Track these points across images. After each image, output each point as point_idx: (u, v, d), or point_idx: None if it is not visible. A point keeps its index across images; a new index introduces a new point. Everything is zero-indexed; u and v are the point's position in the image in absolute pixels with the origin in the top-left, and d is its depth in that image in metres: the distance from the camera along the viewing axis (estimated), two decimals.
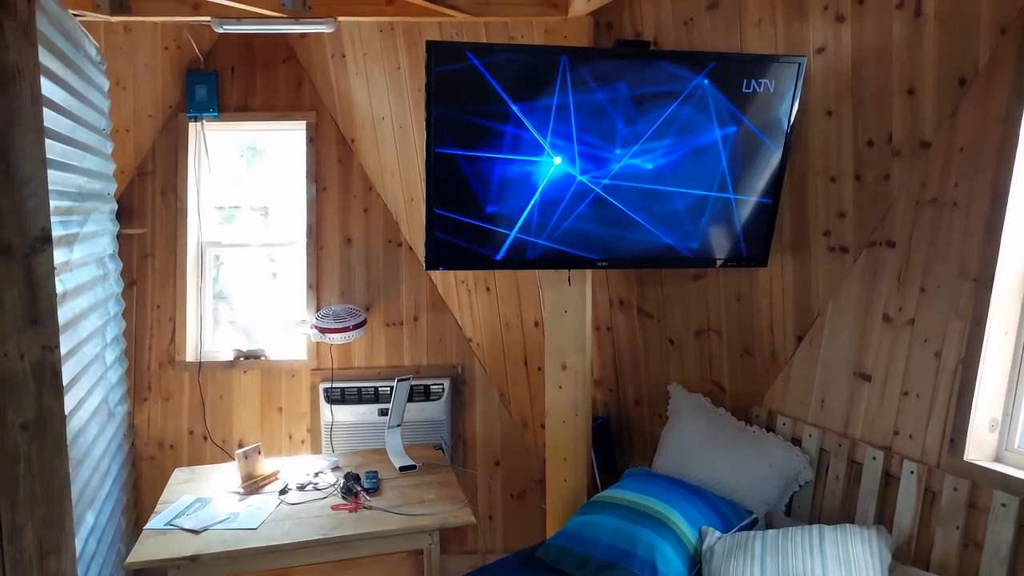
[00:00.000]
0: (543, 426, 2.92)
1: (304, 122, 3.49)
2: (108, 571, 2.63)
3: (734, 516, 2.36)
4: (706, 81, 2.31)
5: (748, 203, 2.47)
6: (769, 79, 2.31)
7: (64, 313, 2.20)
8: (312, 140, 3.50)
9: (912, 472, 2.10)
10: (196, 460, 3.39)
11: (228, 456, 3.35)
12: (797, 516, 2.50)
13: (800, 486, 2.47)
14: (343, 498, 2.53)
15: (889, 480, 2.20)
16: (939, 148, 2.06)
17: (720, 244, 2.52)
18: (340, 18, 2.74)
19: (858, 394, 2.33)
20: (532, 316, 3.38)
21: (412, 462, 2.85)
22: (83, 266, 2.49)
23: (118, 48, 3.20)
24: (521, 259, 2.45)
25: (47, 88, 2.08)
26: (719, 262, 2.54)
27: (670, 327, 3.00)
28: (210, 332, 3.55)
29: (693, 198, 2.45)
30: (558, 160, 2.34)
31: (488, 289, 3.38)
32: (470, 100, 2.26)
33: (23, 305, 1.90)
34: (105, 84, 2.93)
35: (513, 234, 2.41)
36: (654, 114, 2.33)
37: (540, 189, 2.37)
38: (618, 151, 2.36)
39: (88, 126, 2.58)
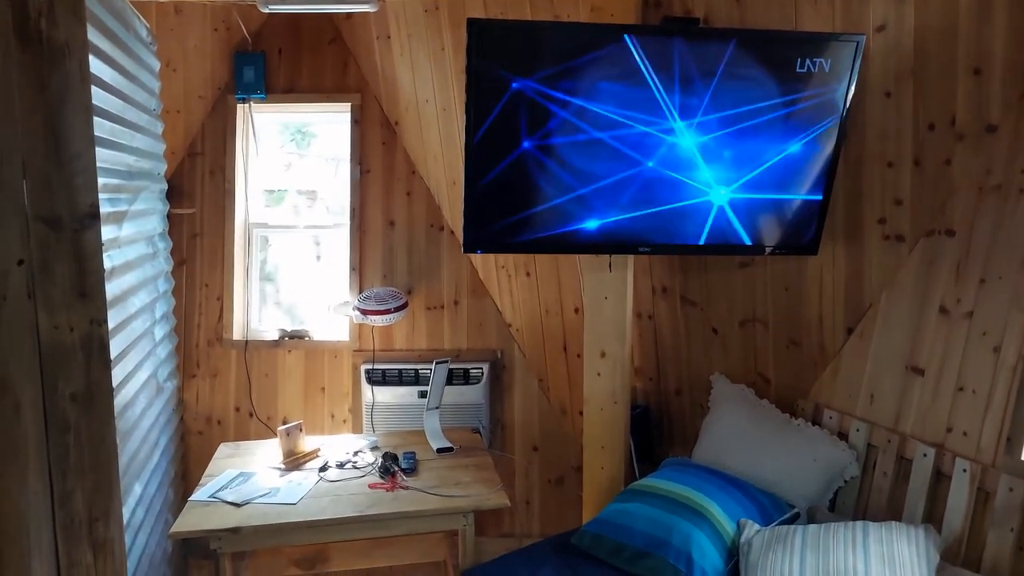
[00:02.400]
0: (581, 413, 2.90)
1: (349, 104, 3.50)
2: (155, 540, 2.72)
3: (775, 509, 2.30)
4: (756, 59, 2.22)
5: (799, 188, 2.38)
6: (825, 58, 2.21)
7: (112, 288, 2.25)
8: (357, 122, 3.51)
9: (965, 470, 2.01)
10: (242, 436, 3.46)
11: (272, 433, 3.41)
12: (841, 512, 2.42)
13: (845, 481, 2.39)
14: (380, 477, 2.56)
15: (940, 478, 2.11)
16: (1006, 132, 1.94)
17: (769, 230, 2.43)
18: None
19: (910, 389, 2.24)
20: (572, 302, 3.34)
21: (449, 444, 2.86)
22: (132, 243, 2.55)
23: (169, 29, 3.26)
24: (560, 243, 2.42)
25: (97, 67, 2.13)
26: (768, 249, 2.46)
27: (714, 316, 2.92)
28: (256, 312, 3.62)
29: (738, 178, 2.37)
30: (604, 139, 2.30)
31: (528, 274, 3.35)
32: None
33: (72, 279, 1.95)
34: (156, 65, 2.98)
35: (554, 217, 2.37)
36: (699, 95, 2.26)
37: (585, 171, 2.32)
38: (670, 129, 2.30)
39: (138, 106, 2.64)
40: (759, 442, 2.50)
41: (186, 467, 3.41)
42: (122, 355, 2.36)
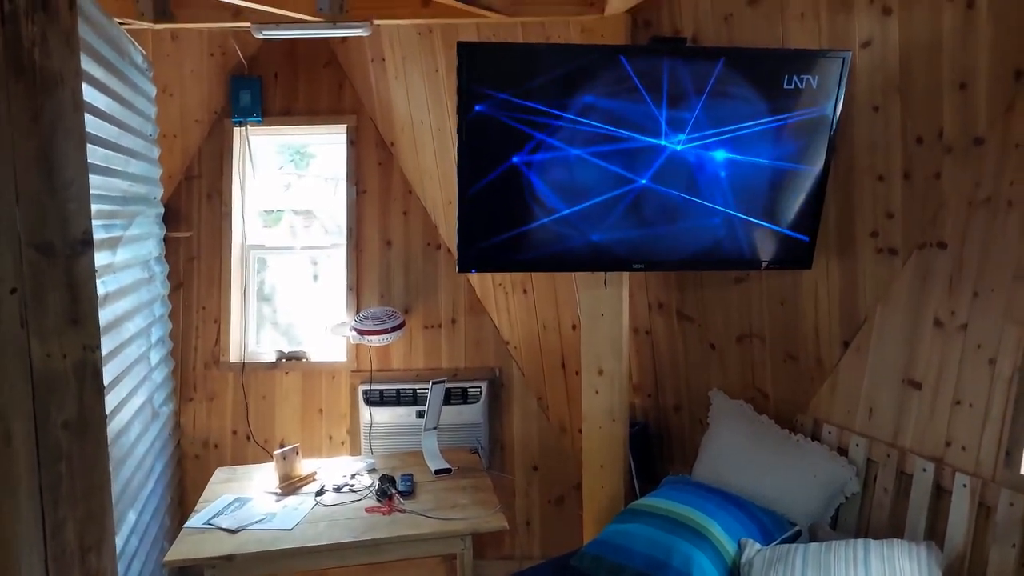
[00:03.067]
0: (581, 431, 2.88)
1: (345, 126, 3.53)
2: (150, 568, 2.70)
3: (776, 528, 2.28)
4: (745, 76, 2.24)
5: (791, 202, 2.38)
6: (812, 75, 2.23)
7: (106, 315, 2.26)
8: (353, 143, 3.53)
9: (965, 485, 1.99)
10: (239, 460, 3.45)
11: (269, 456, 3.39)
12: (843, 529, 2.40)
13: (846, 498, 2.37)
14: (378, 500, 2.54)
15: (941, 493, 2.09)
16: (994, 145, 1.94)
17: (763, 244, 2.43)
18: (377, 21, 2.75)
19: (908, 403, 2.22)
20: (570, 319, 3.34)
21: (447, 465, 2.85)
22: (127, 268, 2.56)
23: (165, 55, 3.29)
24: (555, 261, 2.42)
25: (91, 95, 2.15)
26: (763, 264, 2.46)
27: (711, 331, 2.92)
28: (254, 333, 3.62)
29: (730, 200, 2.38)
30: (595, 157, 2.30)
31: (525, 291, 3.35)
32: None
33: (65, 306, 1.96)
34: (152, 90, 3.01)
35: (547, 235, 2.38)
36: (689, 112, 2.27)
37: (577, 189, 2.33)
38: (661, 147, 2.30)
39: (134, 131, 2.66)
40: (759, 459, 2.48)
41: (183, 492, 3.39)
42: (116, 381, 2.36)
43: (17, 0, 1.85)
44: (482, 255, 2.40)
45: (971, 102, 1.96)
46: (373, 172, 3.54)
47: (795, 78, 2.22)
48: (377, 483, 2.63)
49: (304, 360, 3.50)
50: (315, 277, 3.76)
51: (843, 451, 2.42)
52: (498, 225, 2.36)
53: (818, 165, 2.32)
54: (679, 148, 2.30)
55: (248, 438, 3.46)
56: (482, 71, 2.22)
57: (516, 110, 2.25)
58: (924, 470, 2.12)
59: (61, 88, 1.92)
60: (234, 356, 3.48)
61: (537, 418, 3.51)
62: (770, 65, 2.23)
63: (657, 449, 3.31)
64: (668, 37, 2.63)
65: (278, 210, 3.82)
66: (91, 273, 1.99)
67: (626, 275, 2.71)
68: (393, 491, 2.57)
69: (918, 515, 2.14)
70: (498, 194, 2.32)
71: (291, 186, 3.88)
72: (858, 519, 2.37)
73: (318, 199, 3.83)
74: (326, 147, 3.75)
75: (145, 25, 2.77)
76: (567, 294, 3.27)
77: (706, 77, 2.23)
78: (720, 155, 2.31)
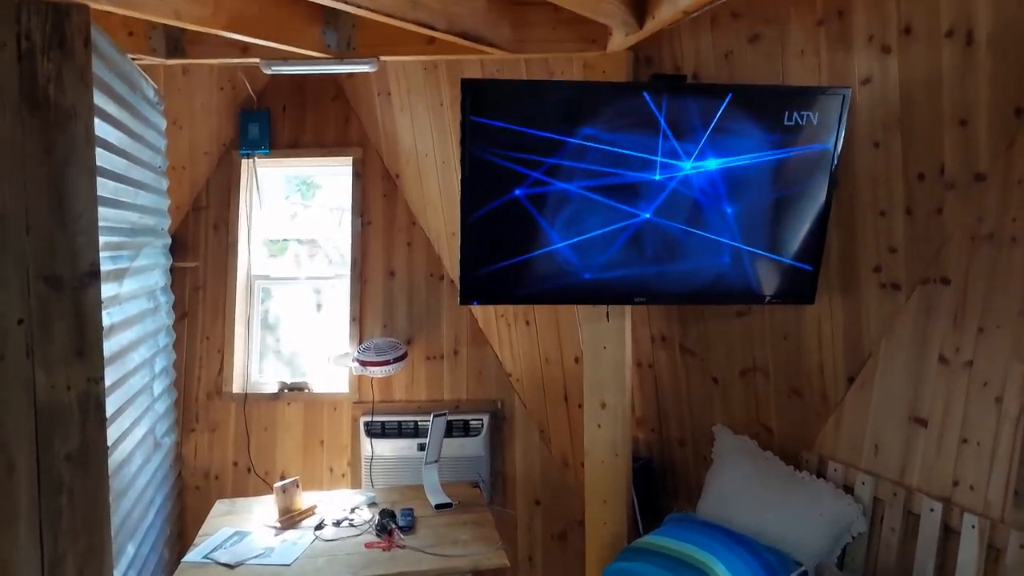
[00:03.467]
0: (584, 465, 2.86)
1: (351, 158, 3.57)
2: None
3: (781, 567, 2.24)
4: (747, 113, 2.26)
5: (794, 235, 2.39)
6: (812, 111, 2.25)
7: (111, 345, 2.26)
8: (358, 175, 3.57)
9: (974, 526, 1.96)
10: (240, 491, 3.42)
11: (270, 488, 3.37)
12: (850, 570, 2.36)
13: (853, 537, 2.34)
14: (377, 536, 2.51)
15: (949, 534, 2.06)
16: (995, 181, 1.95)
17: (765, 279, 2.44)
18: (383, 57, 2.80)
19: (914, 440, 2.20)
20: (572, 351, 3.33)
21: (448, 500, 2.82)
22: (133, 299, 2.57)
23: (177, 89, 3.35)
24: (557, 294, 2.42)
25: (102, 129, 2.18)
26: (766, 298, 2.45)
27: (714, 365, 2.90)
28: (257, 364, 3.62)
29: (734, 236, 2.39)
30: (597, 191, 2.32)
31: (527, 323, 3.35)
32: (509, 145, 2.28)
33: (71, 337, 1.97)
34: (162, 124, 3.05)
35: (549, 268, 2.38)
36: (693, 147, 2.29)
37: (579, 222, 2.35)
38: (662, 180, 2.32)
39: (143, 164, 2.69)
40: (764, 496, 2.45)
41: (183, 524, 3.36)
42: (119, 412, 2.36)
43: (34, 37, 1.91)
44: (484, 287, 2.41)
45: (972, 138, 1.98)
46: (378, 203, 3.58)
47: (796, 114, 2.25)
48: (377, 517, 2.61)
49: (306, 391, 3.50)
50: (319, 307, 3.78)
51: (849, 489, 2.39)
52: (499, 256, 2.37)
53: (820, 199, 2.33)
54: (681, 182, 2.31)
55: (249, 470, 3.44)
56: (485, 106, 2.26)
57: (519, 144, 2.28)
58: (932, 510, 2.09)
59: (74, 123, 1.97)
60: (237, 387, 3.48)
61: (539, 451, 3.48)
62: (772, 101, 2.26)
63: (661, 484, 3.28)
64: (669, 74, 2.66)
65: (283, 240, 3.85)
66: (97, 305, 2.02)
67: (628, 308, 2.71)
68: (393, 526, 2.55)
69: (926, 556, 2.10)
70: (499, 225, 2.33)
71: (297, 216, 3.91)
72: (865, 559, 2.33)
73: (323, 229, 3.86)
74: (332, 178, 3.80)
75: (157, 61, 2.82)
76: (569, 326, 3.27)
77: (710, 113, 2.26)
78: (723, 189, 2.32)
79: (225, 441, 3.46)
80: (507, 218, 2.32)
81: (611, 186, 2.32)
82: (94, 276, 2.01)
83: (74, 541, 1.96)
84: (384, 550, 2.42)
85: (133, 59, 2.70)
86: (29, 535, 1.90)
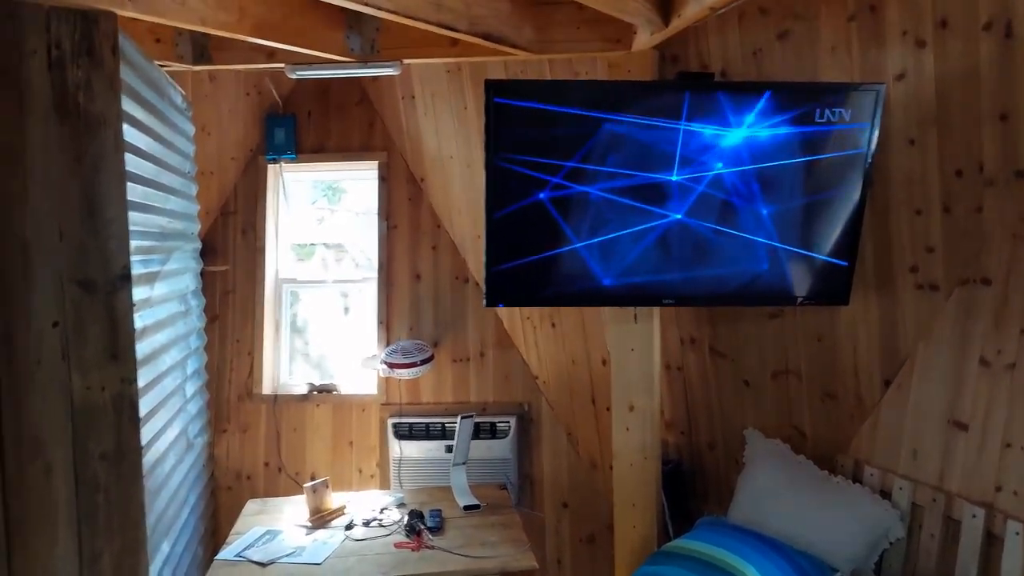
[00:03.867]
0: (612, 468, 2.84)
1: (376, 162, 3.59)
2: None
3: (816, 573, 2.19)
4: (775, 111, 2.22)
5: (828, 233, 2.34)
6: (845, 108, 2.20)
7: (143, 348, 2.29)
8: (384, 179, 3.58)
9: (1017, 533, 1.90)
10: (271, 491, 3.46)
11: (300, 489, 3.40)
12: None
13: (891, 543, 2.28)
14: (406, 536, 2.52)
15: (992, 540, 2.00)
16: None
17: (798, 280, 2.39)
18: (407, 60, 2.81)
19: (954, 444, 2.14)
20: (599, 354, 3.30)
21: (476, 501, 2.81)
22: (164, 302, 2.61)
23: (205, 96, 3.39)
24: (583, 296, 2.40)
25: (132, 135, 2.21)
26: (798, 299, 2.41)
27: (745, 368, 2.86)
28: (286, 366, 3.65)
29: (766, 234, 2.34)
30: (622, 194, 2.30)
31: (553, 325, 3.33)
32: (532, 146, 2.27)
33: (104, 340, 2.00)
34: (191, 130, 3.10)
35: (577, 267, 2.37)
36: (720, 147, 2.26)
37: (606, 223, 2.32)
38: (691, 179, 2.29)
39: (172, 169, 2.73)
40: (798, 501, 2.41)
41: (216, 523, 3.40)
42: (152, 413, 2.39)
43: (64, 46, 1.94)
44: (509, 289, 2.40)
45: (1013, 133, 1.91)
46: (403, 207, 3.59)
47: (828, 111, 2.20)
48: (406, 518, 2.61)
49: (335, 393, 3.52)
50: (346, 310, 3.80)
51: (886, 494, 2.34)
52: (524, 259, 2.36)
53: (854, 198, 2.28)
54: (711, 183, 2.28)
55: (279, 470, 3.47)
56: (510, 108, 2.25)
57: (542, 144, 2.26)
58: (973, 516, 2.03)
59: (104, 130, 2.00)
60: (267, 388, 3.52)
61: (567, 454, 3.46)
62: (803, 98, 2.21)
63: (691, 488, 3.24)
64: (696, 72, 2.63)
65: (311, 244, 3.88)
66: (129, 308, 2.05)
67: (656, 310, 2.68)
68: (422, 527, 2.55)
69: (968, 564, 2.04)
70: (523, 228, 2.32)
71: (323, 220, 3.95)
72: (904, 566, 2.27)
73: (350, 233, 3.88)
74: (357, 183, 3.82)
75: (184, 67, 2.86)
76: (596, 328, 3.24)
77: (740, 111, 2.22)
78: (755, 187, 2.29)
79: (256, 442, 3.50)
80: (531, 221, 2.31)
81: (637, 187, 2.30)
82: (126, 280, 2.04)
83: (110, 539, 1.99)
84: (413, 550, 2.42)
85: (161, 66, 2.74)
86: (67, 533, 1.94)
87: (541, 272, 2.37)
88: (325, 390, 3.52)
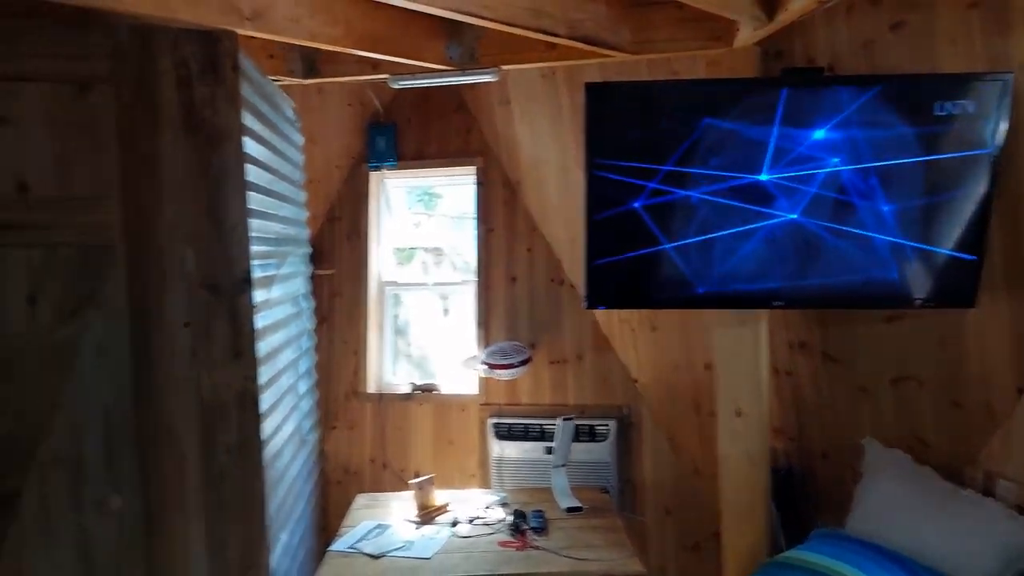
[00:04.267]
0: (717, 475, 2.76)
1: (473, 167, 3.65)
2: None
3: None
4: (890, 105, 2.10)
5: (952, 228, 2.19)
6: (967, 100, 2.06)
7: (262, 347, 2.42)
8: (481, 184, 3.64)
9: None
10: (376, 487, 3.58)
11: (405, 485, 3.50)
12: None
13: None
14: (510, 535, 2.55)
15: None
16: None
17: (918, 281, 2.25)
18: (504, 67, 2.84)
19: None
20: (702, 358, 3.23)
21: (579, 504, 2.81)
22: (280, 305, 2.75)
23: (312, 108, 3.55)
24: (687, 298, 2.35)
25: (250, 146, 2.34)
26: (918, 301, 2.27)
27: (860, 374, 2.72)
28: (390, 366, 3.77)
29: (886, 230, 2.22)
30: (728, 195, 2.24)
31: (654, 329, 3.28)
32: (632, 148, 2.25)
33: (228, 339, 2.14)
34: (300, 140, 3.25)
35: (679, 270, 2.32)
36: (832, 144, 2.16)
37: (714, 223, 2.27)
38: (801, 177, 2.21)
39: (285, 178, 2.87)
40: (923, 514, 2.26)
41: (326, 516, 3.55)
42: (271, 409, 2.52)
43: (191, 66, 2.08)
44: (610, 291, 2.38)
45: None
46: (499, 211, 3.63)
47: (948, 104, 2.07)
48: (510, 518, 2.64)
49: (436, 392, 3.60)
50: (445, 312, 3.88)
51: (1022, 509, 2.16)
52: (627, 261, 2.34)
53: (980, 191, 2.13)
54: (824, 181, 2.19)
55: (384, 466, 3.59)
56: (611, 110, 2.23)
57: (645, 146, 2.24)
58: None
59: (227, 142, 2.13)
60: (372, 387, 3.65)
61: (669, 459, 3.40)
62: (922, 91, 2.09)
63: (802, 497, 3.10)
64: (802, 68, 2.53)
65: (410, 248, 3.99)
66: (251, 309, 2.17)
67: (764, 313, 2.59)
68: (525, 526, 2.57)
69: None
70: (623, 227, 2.29)
71: (421, 225, 4.05)
72: None
73: (447, 237, 3.97)
74: (453, 188, 3.90)
75: (294, 81, 3.01)
76: (698, 331, 3.17)
77: (854, 106, 2.12)
78: (873, 183, 2.17)
79: (363, 439, 3.63)
80: (630, 223, 2.29)
81: (743, 188, 2.23)
82: (247, 283, 2.16)
83: (235, 527, 2.11)
84: (518, 550, 2.44)
85: (273, 80, 2.90)
86: (198, 520, 2.07)
87: (642, 274, 2.34)
88: (427, 389, 3.61)
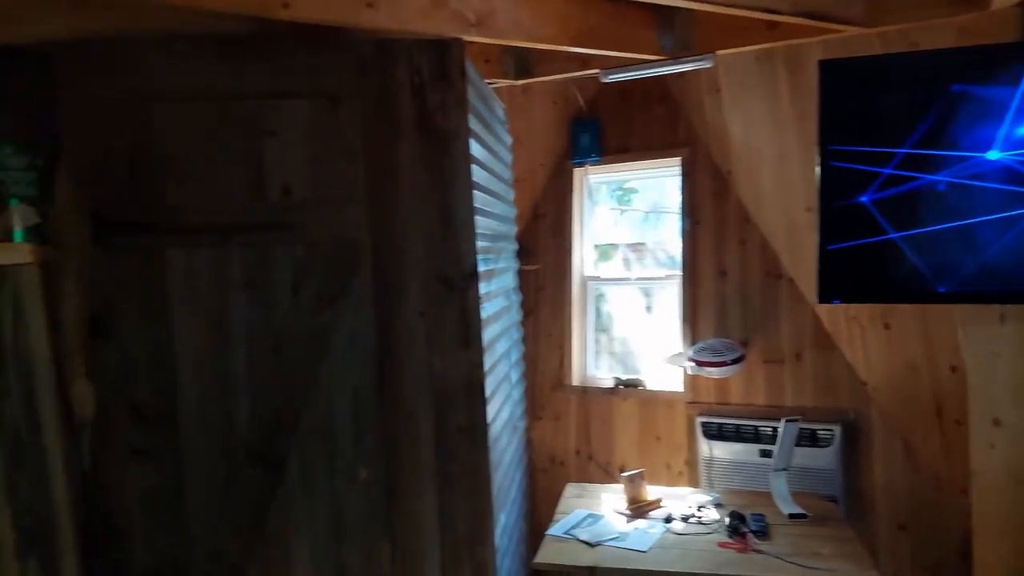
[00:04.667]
0: (964, 491, 2.46)
1: (679, 158, 3.57)
2: (515, 568, 2.96)
3: None
4: None
5: None
6: None
7: (484, 336, 2.56)
8: (686, 175, 3.55)
9: None
10: (582, 477, 3.63)
11: (609, 477, 3.53)
12: None
13: None
14: (729, 537, 2.46)
15: None
16: None
17: None
18: (720, 52, 2.74)
19: None
20: (947, 359, 2.89)
21: (802, 510, 2.65)
22: (496, 297, 2.89)
23: (518, 107, 3.68)
24: (933, 292, 2.12)
25: (474, 148, 2.47)
26: None
27: None
28: (593, 360, 3.81)
29: None
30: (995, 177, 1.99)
31: (887, 326, 2.99)
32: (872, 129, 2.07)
33: (458, 329, 2.28)
34: (509, 140, 3.39)
35: (920, 261, 2.10)
36: None
37: (970, 208, 2.03)
38: None
39: (498, 177, 3.01)
40: None
41: (533, 502, 3.67)
42: (491, 395, 2.65)
43: (424, 74, 2.24)
44: (845, 284, 2.21)
45: None
46: (707, 202, 3.52)
47: None
48: (727, 519, 2.55)
49: (640, 388, 3.58)
50: (648, 308, 3.84)
51: None
52: (859, 251, 2.15)
53: None
54: None
55: (589, 458, 3.63)
56: (848, 88, 2.07)
57: (888, 126, 2.05)
58: None
59: (456, 144, 2.27)
60: (575, 380, 3.71)
61: (904, 470, 3.09)
62: None
63: None
64: None
65: (612, 244, 4.00)
66: (477, 301, 2.30)
67: None
68: (745, 529, 2.47)
69: None
70: (858, 217, 2.11)
71: (620, 221, 4.04)
72: None
73: (647, 233, 3.92)
74: (651, 182, 3.84)
75: (507, 82, 3.13)
76: (942, 330, 2.84)
77: None
78: None
79: (567, 430, 3.70)
80: (864, 213, 2.10)
81: (994, 170, 1.96)
82: (474, 277, 2.30)
83: (464, 504, 2.25)
84: (739, 552, 2.36)
85: (488, 83, 3.04)
86: (431, 496, 2.24)
87: (879, 267, 2.14)
88: (631, 385, 3.60)
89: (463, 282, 2.26)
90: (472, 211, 2.30)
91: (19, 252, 1.70)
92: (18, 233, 1.79)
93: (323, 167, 2.17)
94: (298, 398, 2.19)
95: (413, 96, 2.22)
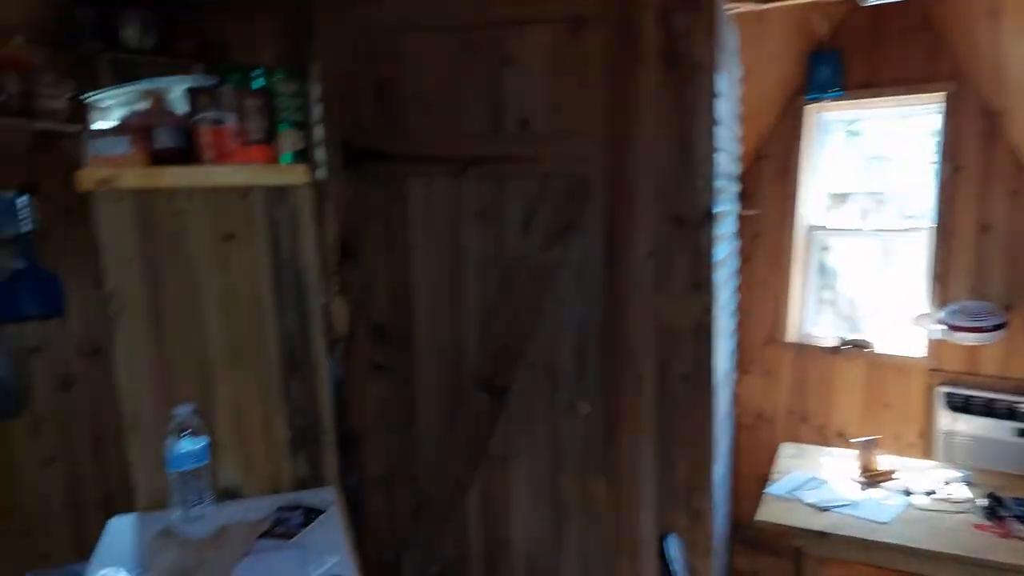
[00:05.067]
0: None
1: (940, 94, 3.12)
2: (722, 520, 2.88)
3: None
4: None
5: None
6: None
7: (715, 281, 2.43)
8: (949, 114, 3.10)
9: None
10: (790, 438, 3.43)
11: (824, 440, 3.30)
12: None
13: None
14: (987, 519, 2.19)
15: None
16: None
17: None
18: None
19: None
20: None
21: None
22: (723, 241, 2.73)
23: (750, 38, 3.39)
24: None
25: (717, 79, 2.31)
26: None
27: None
28: (812, 316, 3.54)
29: None
30: None
31: None
32: None
33: (688, 271, 2.18)
34: (739, 73, 3.14)
35: None
36: None
37: None
38: None
39: (730, 113, 2.81)
40: None
41: (737, 457, 3.54)
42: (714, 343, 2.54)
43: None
44: None
45: None
46: (971, 145, 3.06)
47: None
48: (982, 500, 2.28)
49: (868, 350, 3.27)
50: (884, 264, 3.47)
51: None
52: None
53: None
54: None
55: (803, 419, 3.41)
56: None
57: None
58: None
59: (701, 75, 2.11)
60: (791, 336, 3.47)
61: None
62: None
63: None
64: None
65: (846, 192, 3.63)
66: (711, 243, 2.18)
67: None
68: (1005, 513, 2.19)
69: None
70: None
71: (855, 167, 3.65)
72: None
73: (886, 179, 3.51)
74: (894, 121, 3.40)
75: (750, 6, 2.87)
76: None
77: None
78: None
79: (778, 387, 3.50)
80: None
81: None
82: (709, 216, 2.17)
83: (683, 450, 2.20)
84: (1000, 537, 2.09)
85: (726, 8, 2.80)
86: (649, 437, 2.20)
87: None
88: (857, 345, 3.30)
89: (698, 222, 2.15)
90: (712, 147, 2.16)
91: (297, 174, 1.84)
92: (287, 156, 1.93)
93: (561, 97, 2.14)
94: (524, 330, 2.24)
95: (658, 21, 2.09)
